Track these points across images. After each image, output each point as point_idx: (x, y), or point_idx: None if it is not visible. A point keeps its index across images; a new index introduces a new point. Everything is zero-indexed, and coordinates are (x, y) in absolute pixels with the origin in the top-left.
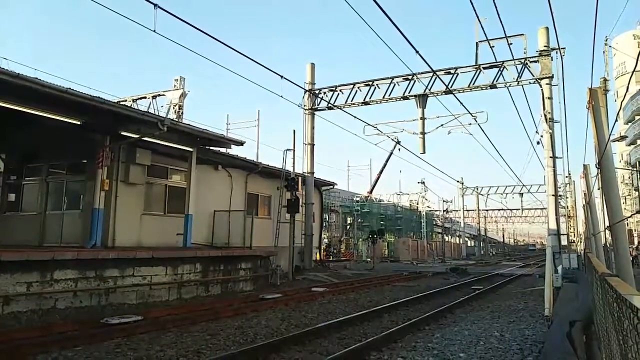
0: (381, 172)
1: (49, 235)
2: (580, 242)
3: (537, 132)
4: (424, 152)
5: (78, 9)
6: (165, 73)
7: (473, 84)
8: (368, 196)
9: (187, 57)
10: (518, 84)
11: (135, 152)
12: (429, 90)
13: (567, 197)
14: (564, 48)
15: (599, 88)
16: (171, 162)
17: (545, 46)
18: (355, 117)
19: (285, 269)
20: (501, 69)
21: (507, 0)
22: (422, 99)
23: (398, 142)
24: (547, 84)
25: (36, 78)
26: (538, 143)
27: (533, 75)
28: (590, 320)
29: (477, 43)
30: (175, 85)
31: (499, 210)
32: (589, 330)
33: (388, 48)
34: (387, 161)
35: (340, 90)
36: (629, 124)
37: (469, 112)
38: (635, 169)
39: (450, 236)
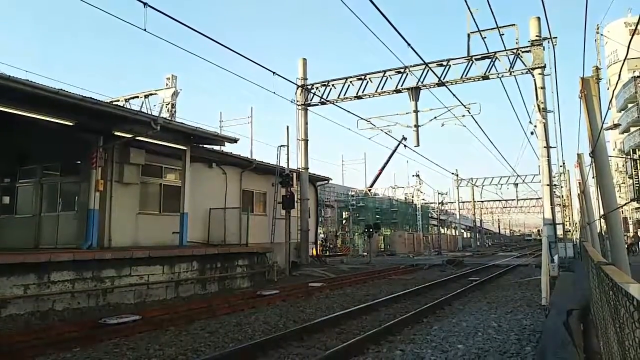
0: (383, 167)
1: (44, 237)
2: (576, 231)
3: (530, 122)
4: (418, 145)
5: (67, 9)
6: (157, 72)
7: (465, 75)
8: (368, 191)
9: (179, 55)
10: (510, 74)
11: (129, 152)
12: (422, 82)
13: (561, 187)
14: (556, 37)
15: (591, 77)
16: (165, 161)
17: (537, 36)
18: (348, 111)
19: (282, 265)
20: (493, 59)
21: None
22: (415, 91)
23: (404, 139)
24: (539, 73)
25: (27, 80)
26: (532, 133)
27: (525, 66)
28: (587, 308)
29: (468, 34)
30: (167, 84)
31: (494, 201)
32: (586, 318)
33: (380, 41)
34: (390, 157)
35: (332, 85)
36: (622, 111)
37: (462, 104)
38: (628, 156)
39: (446, 228)
